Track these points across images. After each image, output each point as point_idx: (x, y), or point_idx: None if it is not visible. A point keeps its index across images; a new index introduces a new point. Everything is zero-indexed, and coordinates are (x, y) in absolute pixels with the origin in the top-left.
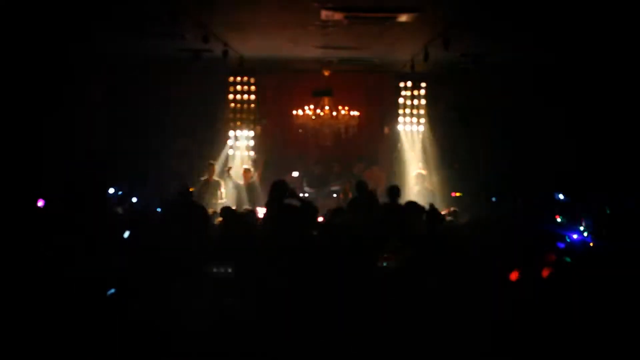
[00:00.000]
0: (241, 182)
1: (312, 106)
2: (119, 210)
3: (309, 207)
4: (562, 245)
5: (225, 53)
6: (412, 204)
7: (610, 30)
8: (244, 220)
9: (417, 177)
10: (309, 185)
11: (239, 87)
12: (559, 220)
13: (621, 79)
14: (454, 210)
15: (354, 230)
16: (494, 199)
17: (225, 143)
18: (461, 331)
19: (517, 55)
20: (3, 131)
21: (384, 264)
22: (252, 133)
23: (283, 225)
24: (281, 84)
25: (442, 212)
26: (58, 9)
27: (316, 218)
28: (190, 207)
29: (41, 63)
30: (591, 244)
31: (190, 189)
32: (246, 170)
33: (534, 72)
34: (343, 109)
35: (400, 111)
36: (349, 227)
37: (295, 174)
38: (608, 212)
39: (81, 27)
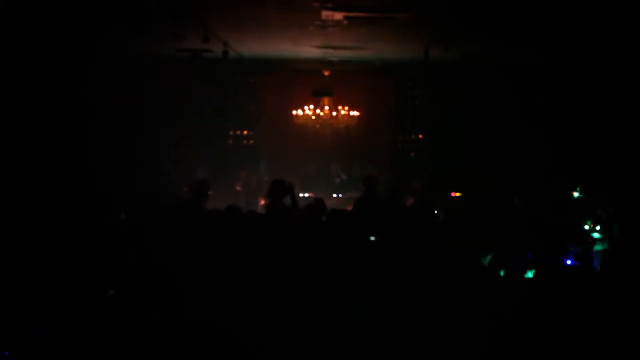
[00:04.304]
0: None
1: (312, 106)
2: (122, 215)
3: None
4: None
5: (225, 53)
6: (420, 202)
7: (609, 30)
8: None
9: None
10: (304, 188)
11: (239, 87)
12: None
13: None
14: (452, 209)
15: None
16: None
17: (225, 143)
18: (458, 330)
19: (517, 55)
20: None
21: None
22: (252, 133)
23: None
24: (281, 84)
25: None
26: (55, 9)
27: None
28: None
29: (38, 63)
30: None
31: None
32: (252, 174)
33: (534, 72)
34: (343, 109)
35: (400, 111)
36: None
37: (310, 168)
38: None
39: (80, 27)
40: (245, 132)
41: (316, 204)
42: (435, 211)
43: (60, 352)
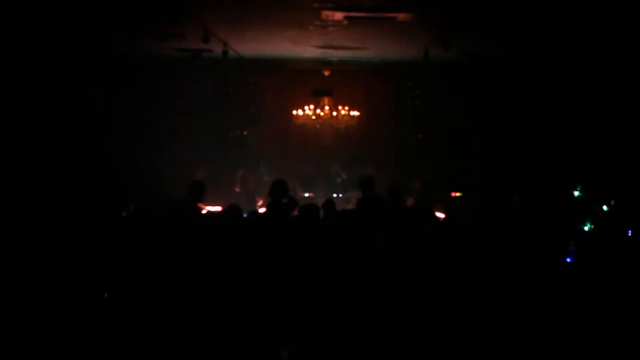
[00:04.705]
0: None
1: (312, 106)
2: (123, 215)
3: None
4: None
5: (225, 53)
6: (420, 202)
7: (609, 30)
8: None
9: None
10: (302, 187)
11: (239, 87)
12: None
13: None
14: (452, 209)
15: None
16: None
17: (225, 143)
18: (459, 329)
19: (517, 55)
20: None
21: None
22: (252, 133)
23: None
24: (281, 84)
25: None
26: (55, 9)
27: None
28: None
29: (38, 63)
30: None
31: None
32: (251, 174)
33: (534, 72)
34: (343, 109)
35: (400, 111)
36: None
37: (308, 167)
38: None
39: (80, 27)
40: (245, 132)
41: (327, 204)
42: (435, 211)
43: (60, 352)
